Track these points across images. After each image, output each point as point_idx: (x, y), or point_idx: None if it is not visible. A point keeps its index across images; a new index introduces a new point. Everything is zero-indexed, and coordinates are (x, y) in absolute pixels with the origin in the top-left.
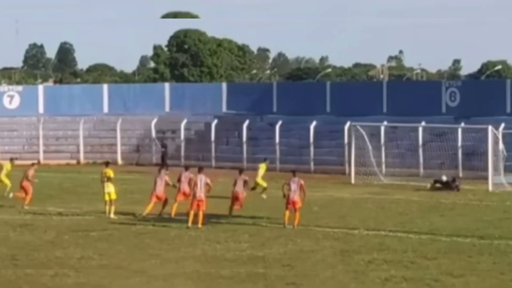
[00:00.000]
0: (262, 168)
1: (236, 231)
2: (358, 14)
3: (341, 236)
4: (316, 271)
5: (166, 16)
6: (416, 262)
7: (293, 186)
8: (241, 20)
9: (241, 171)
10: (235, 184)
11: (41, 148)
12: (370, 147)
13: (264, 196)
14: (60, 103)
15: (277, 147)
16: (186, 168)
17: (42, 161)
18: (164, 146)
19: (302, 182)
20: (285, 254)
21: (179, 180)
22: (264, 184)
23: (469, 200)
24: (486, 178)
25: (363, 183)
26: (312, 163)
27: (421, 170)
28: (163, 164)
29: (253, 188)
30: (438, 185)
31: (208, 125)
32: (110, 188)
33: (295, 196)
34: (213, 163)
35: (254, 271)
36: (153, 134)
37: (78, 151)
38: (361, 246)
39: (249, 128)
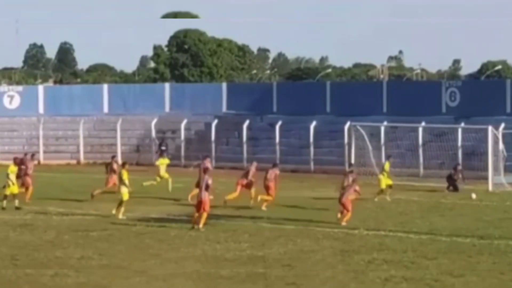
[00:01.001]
0: (387, 166)
1: (236, 231)
2: (358, 14)
3: (341, 236)
4: (316, 271)
5: (166, 16)
6: (416, 262)
7: (346, 183)
8: (241, 20)
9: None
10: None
11: (41, 148)
12: (370, 147)
13: (388, 198)
14: (60, 103)
15: (277, 147)
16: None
17: (42, 161)
18: (163, 145)
19: (356, 188)
20: (285, 254)
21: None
22: (389, 182)
23: (469, 200)
24: (486, 178)
25: (363, 183)
26: (312, 163)
27: (421, 170)
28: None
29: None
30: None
31: (208, 125)
32: (120, 189)
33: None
34: (213, 163)
35: (254, 271)
36: (153, 134)
37: (78, 151)
38: (361, 246)
39: (249, 128)
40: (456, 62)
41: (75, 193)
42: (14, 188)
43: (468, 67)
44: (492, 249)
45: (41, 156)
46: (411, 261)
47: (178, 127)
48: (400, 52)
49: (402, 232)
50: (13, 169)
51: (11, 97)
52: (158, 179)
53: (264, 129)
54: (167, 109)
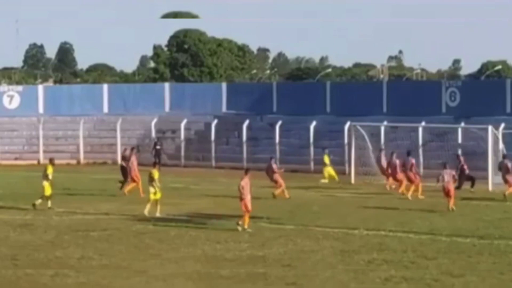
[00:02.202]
0: None
1: (236, 230)
2: (358, 14)
3: (341, 236)
4: (316, 271)
5: (166, 16)
6: (416, 262)
7: (446, 177)
8: (241, 20)
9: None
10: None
11: (41, 148)
12: (370, 147)
13: None
14: (60, 103)
15: (277, 147)
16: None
17: (42, 161)
18: (158, 144)
19: (453, 173)
20: (285, 254)
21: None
22: None
23: (469, 200)
24: (486, 178)
25: (363, 183)
26: (312, 163)
27: (421, 170)
28: (156, 162)
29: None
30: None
31: (208, 125)
32: (152, 189)
33: (449, 185)
34: (213, 163)
35: (254, 271)
36: (153, 134)
37: (78, 151)
38: (361, 246)
39: (249, 128)
40: (456, 62)
41: (75, 193)
42: (49, 190)
43: (468, 67)
44: (492, 249)
45: (41, 156)
46: (411, 261)
47: (178, 127)
48: (400, 52)
49: (402, 232)
50: (51, 170)
51: (11, 97)
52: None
53: (264, 129)
54: (167, 109)
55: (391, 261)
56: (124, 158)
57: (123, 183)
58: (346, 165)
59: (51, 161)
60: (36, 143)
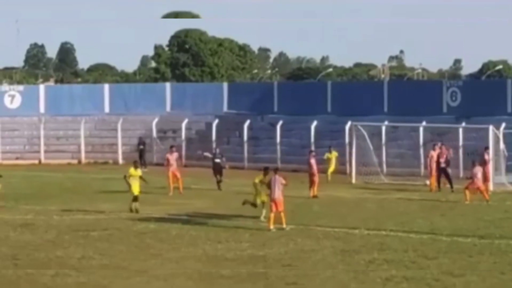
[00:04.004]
0: None
1: (237, 230)
2: (359, 13)
3: (341, 235)
4: (317, 270)
5: (167, 16)
6: (417, 261)
7: (477, 174)
8: (242, 20)
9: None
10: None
11: (42, 148)
12: (371, 147)
13: None
14: (61, 103)
15: (278, 147)
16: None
17: (43, 161)
18: (142, 143)
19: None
20: (285, 254)
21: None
22: None
23: (470, 200)
24: None
25: (363, 183)
26: None
27: (422, 170)
28: (141, 162)
29: None
30: None
31: (209, 125)
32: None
33: (479, 182)
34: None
35: (254, 271)
36: (154, 134)
37: (79, 151)
38: (362, 245)
39: (250, 128)
40: (457, 61)
41: (76, 193)
42: (136, 189)
43: (469, 67)
44: (492, 249)
45: (42, 155)
46: (412, 260)
47: (179, 127)
48: (401, 51)
49: (403, 231)
50: (134, 173)
51: (12, 96)
52: None
53: (265, 129)
54: (168, 108)
55: (391, 261)
56: (214, 155)
57: (219, 182)
58: (347, 164)
59: (135, 163)
60: (37, 143)
